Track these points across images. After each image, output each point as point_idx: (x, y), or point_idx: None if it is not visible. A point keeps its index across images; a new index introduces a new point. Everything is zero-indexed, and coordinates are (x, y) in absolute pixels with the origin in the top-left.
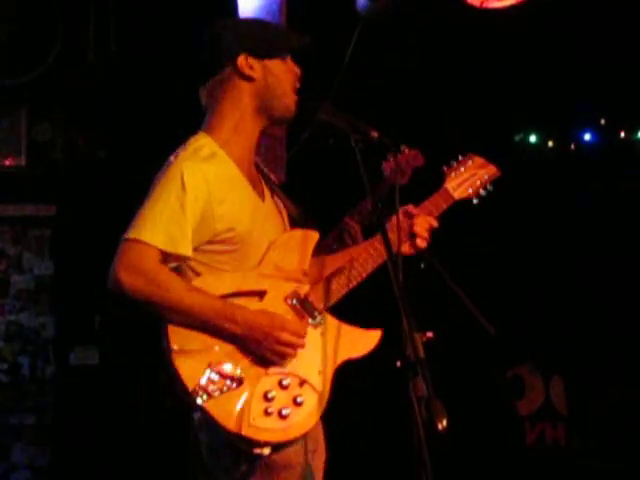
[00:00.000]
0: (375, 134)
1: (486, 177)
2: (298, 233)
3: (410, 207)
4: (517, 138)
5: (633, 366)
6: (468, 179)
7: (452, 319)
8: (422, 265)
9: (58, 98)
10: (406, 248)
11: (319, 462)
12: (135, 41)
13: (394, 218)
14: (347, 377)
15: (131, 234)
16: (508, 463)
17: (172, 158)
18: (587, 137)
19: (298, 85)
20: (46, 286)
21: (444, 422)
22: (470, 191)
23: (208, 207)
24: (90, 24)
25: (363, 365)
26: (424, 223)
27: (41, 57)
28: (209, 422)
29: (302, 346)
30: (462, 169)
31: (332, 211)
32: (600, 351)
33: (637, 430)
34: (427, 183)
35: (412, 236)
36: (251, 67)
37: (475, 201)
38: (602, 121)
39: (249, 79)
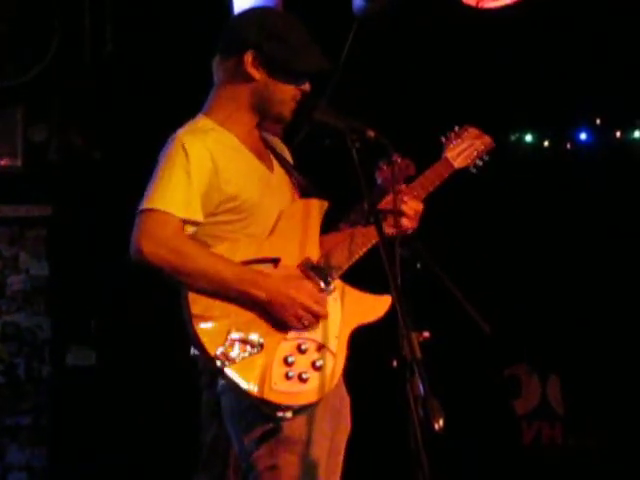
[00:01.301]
0: (372, 134)
1: (482, 147)
2: (309, 202)
3: (403, 186)
4: (513, 137)
5: (630, 365)
6: (466, 149)
7: (448, 318)
8: (418, 265)
9: (54, 99)
10: (389, 228)
11: (341, 436)
12: (131, 41)
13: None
14: (344, 377)
15: (146, 205)
16: (505, 463)
17: (171, 138)
18: (583, 137)
19: (300, 97)
20: (42, 287)
21: (441, 422)
22: (469, 161)
23: (212, 175)
24: (86, 24)
25: (360, 365)
26: (413, 205)
27: (37, 57)
28: (231, 388)
29: (325, 315)
30: (459, 139)
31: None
32: (597, 350)
33: (634, 429)
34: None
35: (398, 215)
36: (256, 67)
37: (474, 170)
38: (598, 121)
39: (251, 77)
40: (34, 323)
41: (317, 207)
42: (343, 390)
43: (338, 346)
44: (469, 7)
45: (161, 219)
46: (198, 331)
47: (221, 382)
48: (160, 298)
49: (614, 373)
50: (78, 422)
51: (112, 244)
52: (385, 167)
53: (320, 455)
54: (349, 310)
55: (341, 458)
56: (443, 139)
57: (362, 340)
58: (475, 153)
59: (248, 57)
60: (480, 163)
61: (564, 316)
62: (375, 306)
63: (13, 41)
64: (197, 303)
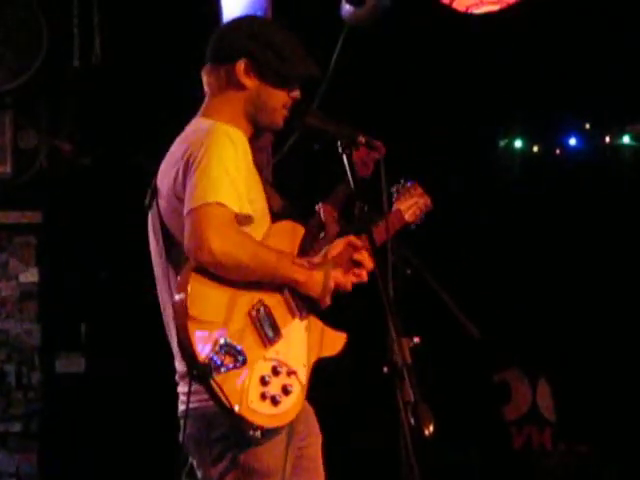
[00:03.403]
0: (362, 139)
1: (424, 208)
2: (290, 225)
3: (352, 238)
4: (503, 143)
5: (619, 371)
6: (412, 205)
7: (438, 324)
8: (408, 270)
9: (43, 105)
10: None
11: (313, 450)
12: (120, 47)
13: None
14: (336, 382)
15: (207, 198)
16: (495, 468)
17: (206, 128)
18: (572, 142)
19: (290, 104)
20: (32, 293)
21: (431, 427)
22: (414, 217)
23: (247, 173)
24: (75, 31)
25: (350, 371)
26: (368, 260)
27: (26, 64)
28: (199, 412)
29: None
30: (408, 194)
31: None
32: (587, 356)
33: (624, 434)
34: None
35: (356, 265)
36: (248, 76)
37: (413, 227)
38: (587, 126)
39: (243, 85)
40: (24, 330)
41: (297, 230)
42: (307, 406)
43: (305, 375)
44: (458, 13)
45: (225, 214)
46: (191, 334)
47: (183, 405)
48: (150, 305)
49: (604, 379)
50: (68, 429)
51: (102, 250)
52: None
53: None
54: (315, 340)
55: (320, 464)
56: (393, 190)
57: (353, 346)
58: (419, 211)
59: (240, 65)
60: (419, 222)
61: (554, 322)
62: (335, 341)
63: (1, 47)
64: (196, 303)
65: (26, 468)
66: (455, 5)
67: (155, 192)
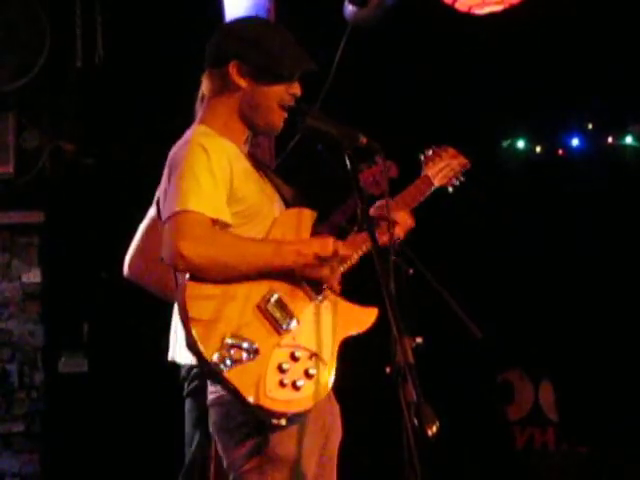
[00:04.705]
0: (364, 140)
1: (459, 168)
2: (300, 211)
3: (387, 201)
4: (505, 144)
5: (622, 371)
6: (444, 168)
7: (441, 324)
8: (410, 270)
9: (46, 105)
10: (381, 235)
11: (332, 446)
12: (123, 48)
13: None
14: (337, 383)
15: (178, 207)
16: (497, 468)
17: (184, 142)
18: (575, 142)
19: (291, 103)
20: (35, 294)
21: (434, 428)
22: (446, 180)
23: (230, 177)
24: (77, 31)
25: (353, 371)
26: (404, 215)
27: (28, 64)
28: (222, 399)
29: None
30: (438, 158)
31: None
32: (589, 356)
33: (626, 435)
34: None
35: (389, 221)
36: (241, 76)
37: (450, 190)
38: (590, 126)
39: (237, 86)
40: (27, 330)
41: (308, 216)
42: (333, 401)
43: (329, 355)
44: (460, 13)
45: (195, 219)
46: (195, 334)
47: (210, 395)
48: (152, 306)
49: (606, 379)
50: (71, 429)
51: (105, 251)
52: (366, 170)
53: (308, 474)
54: (339, 320)
55: (335, 462)
56: (422, 157)
57: (355, 346)
58: (452, 173)
59: (232, 67)
60: (457, 183)
61: (556, 322)
62: (363, 317)
63: (4, 48)
64: (194, 305)
65: (29, 468)
66: (458, 6)
67: (158, 201)
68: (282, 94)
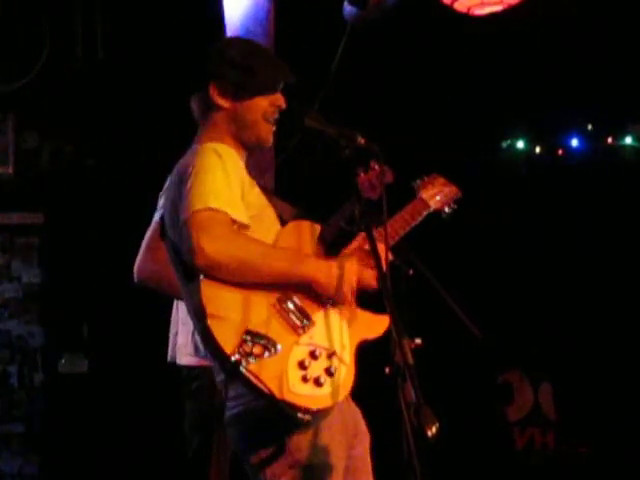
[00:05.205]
0: (362, 141)
1: (451, 195)
2: (304, 223)
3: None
4: (505, 144)
5: (621, 371)
6: (438, 193)
7: (441, 325)
8: (410, 271)
9: (45, 106)
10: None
11: (362, 449)
12: (122, 48)
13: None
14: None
15: (197, 206)
16: (497, 468)
17: (193, 151)
18: (575, 143)
19: (276, 115)
20: (34, 294)
21: (434, 429)
22: (441, 205)
23: (242, 181)
24: (77, 32)
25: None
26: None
27: (28, 65)
28: (247, 412)
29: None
30: (430, 185)
31: (321, 218)
32: (589, 357)
33: (625, 435)
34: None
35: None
36: (221, 96)
37: (444, 215)
38: (589, 127)
39: (220, 106)
40: (26, 331)
41: (312, 229)
42: (352, 403)
43: (348, 355)
44: (460, 14)
45: (215, 217)
46: (214, 330)
47: (228, 412)
48: (153, 306)
49: (606, 379)
50: (71, 429)
51: (104, 251)
52: (362, 174)
53: (333, 478)
54: (353, 324)
55: (369, 462)
56: (414, 184)
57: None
58: (445, 199)
59: (212, 88)
60: (449, 210)
61: (556, 322)
62: (376, 324)
63: (3, 49)
64: (212, 302)
65: (29, 469)
66: (457, 6)
67: (163, 225)
68: (265, 107)
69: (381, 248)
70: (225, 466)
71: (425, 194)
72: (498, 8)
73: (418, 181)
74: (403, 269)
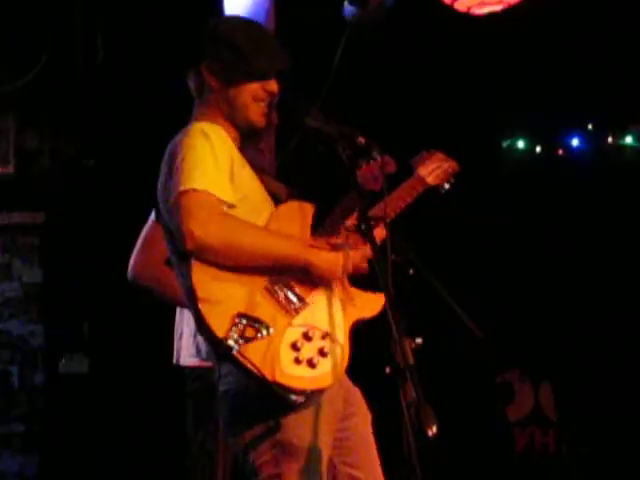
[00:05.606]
0: (362, 140)
1: (450, 170)
2: (295, 204)
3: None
4: (505, 144)
5: (622, 372)
6: (436, 169)
7: (441, 325)
8: (411, 270)
9: (46, 105)
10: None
11: (362, 429)
12: (123, 48)
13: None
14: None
15: (184, 186)
16: (497, 468)
17: (183, 131)
18: (575, 142)
19: (268, 99)
20: (35, 294)
21: (434, 428)
22: (439, 180)
23: (231, 161)
24: (78, 32)
25: (352, 372)
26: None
27: (29, 65)
28: (235, 388)
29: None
30: (428, 161)
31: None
32: (589, 357)
33: (626, 436)
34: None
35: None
36: (212, 77)
37: (442, 191)
38: (590, 126)
39: (211, 87)
40: (27, 330)
41: (306, 209)
42: (349, 384)
43: (342, 335)
44: (459, 14)
45: (203, 199)
46: (205, 314)
47: (223, 387)
48: (153, 306)
49: (606, 379)
50: (71, 430)
51: (105, 251)
52: (365, 165)
53: (323, 463)
54: (348, 303)
55: (372, 441)
56: (412, 161)
57: (355, 346)
58: (444, 174)
59: (205, 68)
60: (447, 185)
61: (556, 322)
62: (371, 302)
63: (4, 49)
64: (203, 286)
65: (29, 469)
66: (457, 6)
67: (157, 205)
68: (257, 91)
69: (380, 233)
70: (227, 467)
71: (422, 170)
72: (498, 8)
73: (417, 157)
74: (403, 268)
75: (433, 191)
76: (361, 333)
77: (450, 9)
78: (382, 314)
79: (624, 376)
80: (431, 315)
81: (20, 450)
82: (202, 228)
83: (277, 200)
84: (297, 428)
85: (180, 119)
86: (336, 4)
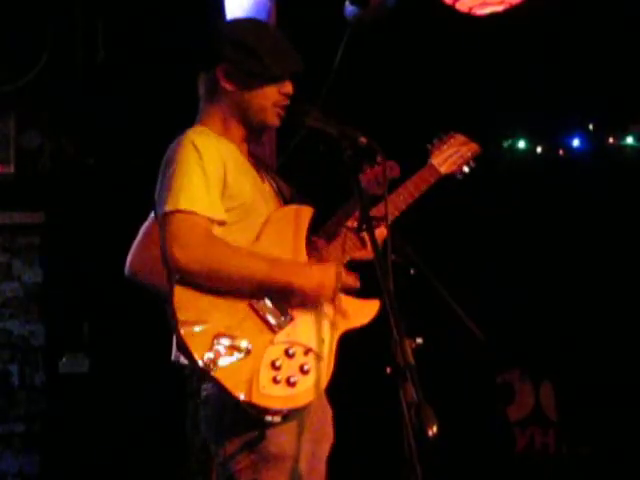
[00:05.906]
0: (364, 140)
1: (469, 154)
2: (294, 208)
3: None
4: (506, 144)
5: (622, 372)
6: (452, 155)
7: (441, 325)
8: (411, 270)
9: (46, 105)
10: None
11: (325, 446)
12: (123, 47)
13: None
14: (337, 383)
15: (169, 206)
16: (498, 468)
17: (177, 140)
18: (576, 143)
19: (284, 102)
20: (35, 294)
21: (434, 428)
22: (455, 167)
23: (223, 173)
24: (78, 31)
25: (353, 372)
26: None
27: (29, 64)
28: (215, 396)
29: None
30: (445, 146)
31: (323, 218)
32: (590, 357)
33: (626, 436)
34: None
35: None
36: (228, 80)
37: (459, 177)
38: (590, 126)
39: (226, 90)
40: (27, 330)
41: (302, 213)
42: (325, 401)
43: (326, 350)
44: (461, 14)
45: (189, 220)
46: (184, 336)
47: (203, 392)
48: (153, 305)
49: (607, 380)
50: (71, 429)
51: (105, 251)
52: (369, 169)
53: (302, 471)
54: (339, 314)
55: (324, 467)
56: (429, 146)
57: (355, 347)
58: (461, 160)
59: (219, 71)
60: (466, 169)
61: (557, 322)
62: (364, 310)
63: (4, 48)
64: (183, 309)
65: (29, 469)
66: (458, 6)
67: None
68: (273, 94)
69: (381, 232)
70: None
71: (438, 157)
72: (500, 8)
73: (435, 141)
74: (404, 268)
75: (448, 179)
76: (361, 333)
77: (451, 9)
78: (382, 314)
79: (624, 376)
80: (431, 315)
81: (20, 450)
82: (185, 254)
83: (283, 197)
84: (277, 437)
85: (180, 119)
86: (337, 4)
